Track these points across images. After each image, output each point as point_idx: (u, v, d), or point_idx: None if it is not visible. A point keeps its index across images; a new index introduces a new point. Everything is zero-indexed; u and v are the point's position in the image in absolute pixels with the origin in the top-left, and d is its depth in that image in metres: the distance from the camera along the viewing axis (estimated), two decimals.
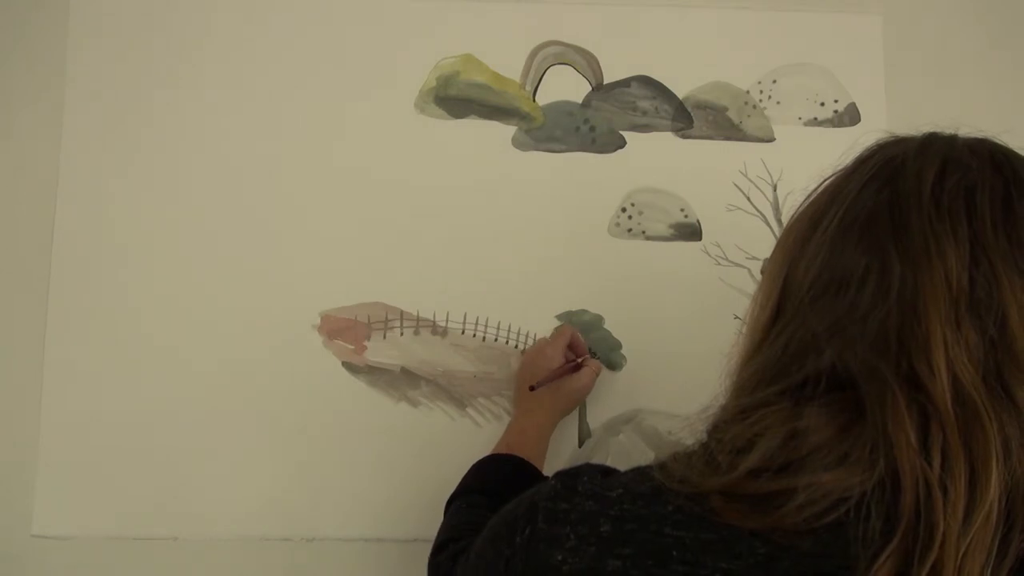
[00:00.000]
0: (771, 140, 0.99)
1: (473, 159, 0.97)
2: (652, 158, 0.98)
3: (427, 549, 0.69)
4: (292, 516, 0.93)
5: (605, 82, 0.99)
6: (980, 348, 0.44)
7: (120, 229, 0.95)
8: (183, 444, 0.93)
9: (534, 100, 0.98)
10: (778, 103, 1.00)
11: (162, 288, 0.95)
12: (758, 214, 0.98)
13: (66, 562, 0.91)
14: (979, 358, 0.44)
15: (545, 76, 0.99)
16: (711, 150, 0.99)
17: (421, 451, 0.94)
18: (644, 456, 0.83)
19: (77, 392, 0.93)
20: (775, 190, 0.98)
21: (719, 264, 0.97)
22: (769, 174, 0.99)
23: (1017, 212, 0.46)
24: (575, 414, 0.93)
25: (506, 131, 0.98)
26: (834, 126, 1.00)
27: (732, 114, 0.99)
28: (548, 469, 0.82)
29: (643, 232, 0.98)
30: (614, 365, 0.96)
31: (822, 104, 1.00)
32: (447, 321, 0.96)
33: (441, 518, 0.74)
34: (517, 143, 0.98)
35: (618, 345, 0.96)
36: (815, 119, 1.00)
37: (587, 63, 0.99)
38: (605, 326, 0.96)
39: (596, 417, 0.95)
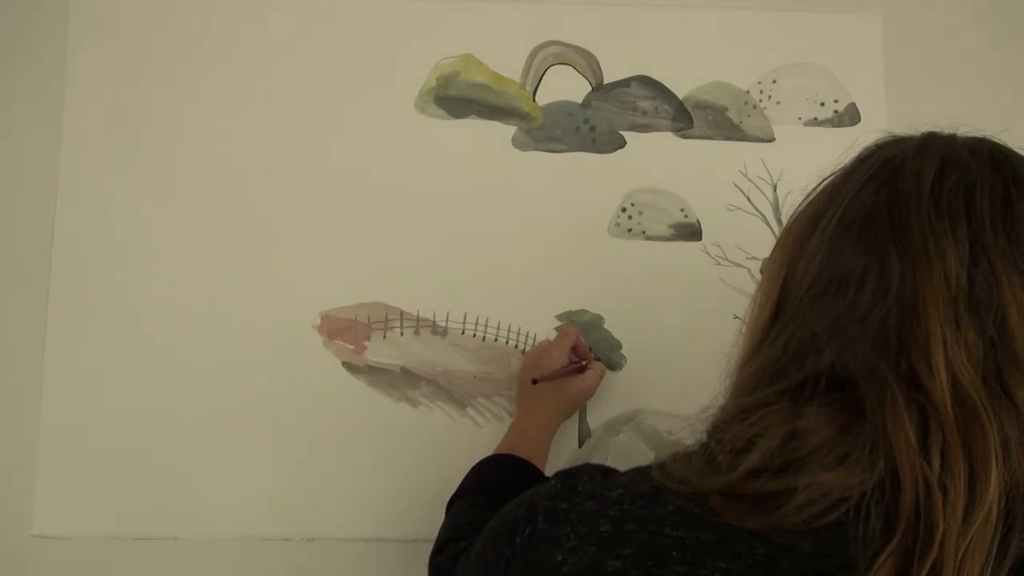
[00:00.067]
0: (771, 140, 0.99)
1: (473, 159, 0.97)
2: (652, 158, 0.98)
3: (427, 549, 0.69)
4: (292, 516, 0.93)
5: (605, 82, 0.99)
6: (980, 348, 0.44)
7: (120, 229, 0.95)
8: (183, 444, 0.93)
9: (534, 100, 0.98)
10: (778, 103, 1.00)
11: (162, 288, 0.95)
12: (758, 214, 0.98)
13: (66, 562, 0.91)
14: (979, 358, 0.44)
15: (545, 76, 0.99)
16: (711, 150, 0.99)
17: (421, 451, 0.94)
18: (644, 456, 0.83)
19: (77, 392, 0.93)
20: (775, 190, 0.98)
21: (719, 264, 0.97)
22: (769, 174, 0.99)
23: (1016, 211, 0.46)
24: (575, 415, 0.93)
25: (506, 131, 0.98)
26: (834, 126, 1.00)
27: (732, 114, 0.99)
28: (548, 469, 0.82)
29: (643, 232, 0.98)
30: (614, 365, 0.96)
31: (822, 104, 1.00)
32: (447, 321, 0.96)
33: (441, 518, 0.74)
34: (517, 143, 0.98)
35: (618, 345, 0.96)
36: (815, 119, 1.00)
37: (587, 63, 0.99)
38: (605, 326, 0.96)
39: (596, 417, 0.95)
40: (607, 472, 0.52)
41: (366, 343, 0.95)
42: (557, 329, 0.96)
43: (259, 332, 0.94)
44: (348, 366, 0.95)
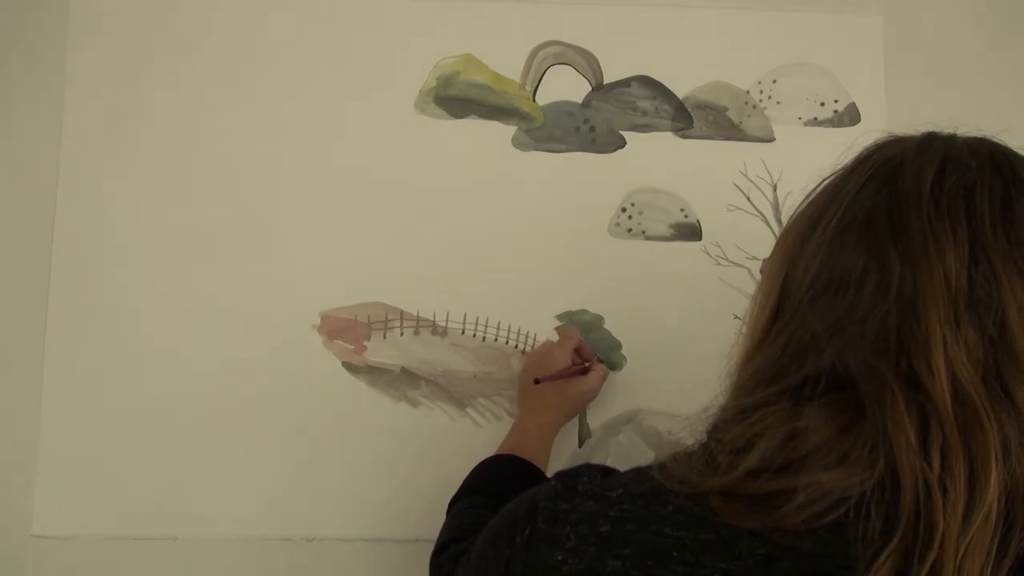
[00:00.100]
0: (771, 140, 0.99)
1: (473, 159, 0.97)
2: (652, 158, 0.98)
3: (427, 549, 0.69)
4: (292, 516, 0.93)
5: (605, 82, 0.99)
6: (979, 348, 0.44)
7: (120, 229, 0.95)
8: (183, 444, 0.93)
9: (534, 100, 0.98)
10: (778, 103, 1.00)
11: (162, 288, 0.95)
12: (758, 214, 0.98)
13: (66, 562, 0.91)
14: (978, 358, 0.44)
15: (545, 76, 0.99)
16: (711, 150, 0.99)
17: (421, 451, 0.94)
18: (644, 456, 0.84)
19: (77, 392, 0.93)
20: (775, 190, 0.98)
21: (719, 264, 0.97)
22: (769, 174, 0.99)
23: (1016, 211, 0.46)
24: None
25: (506, 131, 0.98)
26: (834, 126, 1.00)
27: (732, 114, 0.99)
28: (549, 469, 0.82)
29: (643, 232, 0.98)
30: (614, 365, 0.96)
31: (822, 104, 1.00)
32: (447, 321, 0.96)
33: (442, 518, 0.74)
34: (517, 143, 0.98)
35: (618, 345, 0.96)
36: (815, 119, 1.00)
37: (587, 63, 0.99)
38: (605, 326, 0.96)
39: (596, 417, 0.95)
40: (607, 472, 0.52)
41: (366, 343, 0.95)
42: (557, 330, 0.96)
43: (259, 332, 0.94)
44: (348, 366, 0.95)
